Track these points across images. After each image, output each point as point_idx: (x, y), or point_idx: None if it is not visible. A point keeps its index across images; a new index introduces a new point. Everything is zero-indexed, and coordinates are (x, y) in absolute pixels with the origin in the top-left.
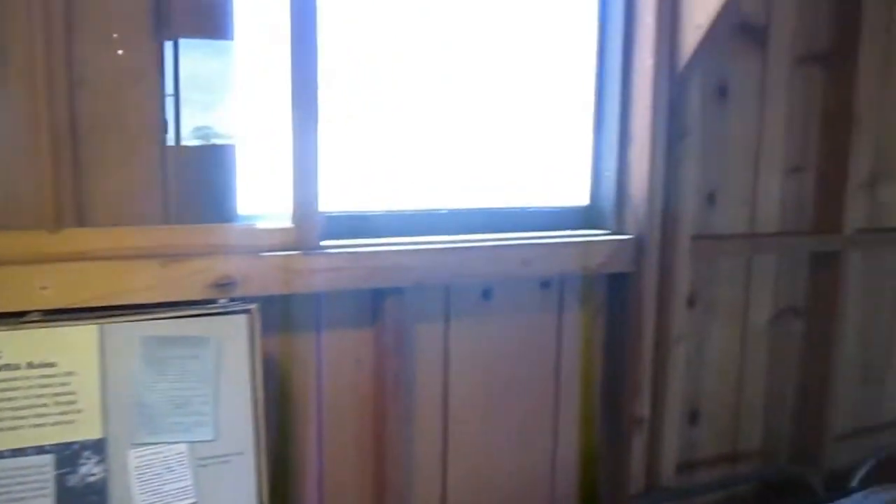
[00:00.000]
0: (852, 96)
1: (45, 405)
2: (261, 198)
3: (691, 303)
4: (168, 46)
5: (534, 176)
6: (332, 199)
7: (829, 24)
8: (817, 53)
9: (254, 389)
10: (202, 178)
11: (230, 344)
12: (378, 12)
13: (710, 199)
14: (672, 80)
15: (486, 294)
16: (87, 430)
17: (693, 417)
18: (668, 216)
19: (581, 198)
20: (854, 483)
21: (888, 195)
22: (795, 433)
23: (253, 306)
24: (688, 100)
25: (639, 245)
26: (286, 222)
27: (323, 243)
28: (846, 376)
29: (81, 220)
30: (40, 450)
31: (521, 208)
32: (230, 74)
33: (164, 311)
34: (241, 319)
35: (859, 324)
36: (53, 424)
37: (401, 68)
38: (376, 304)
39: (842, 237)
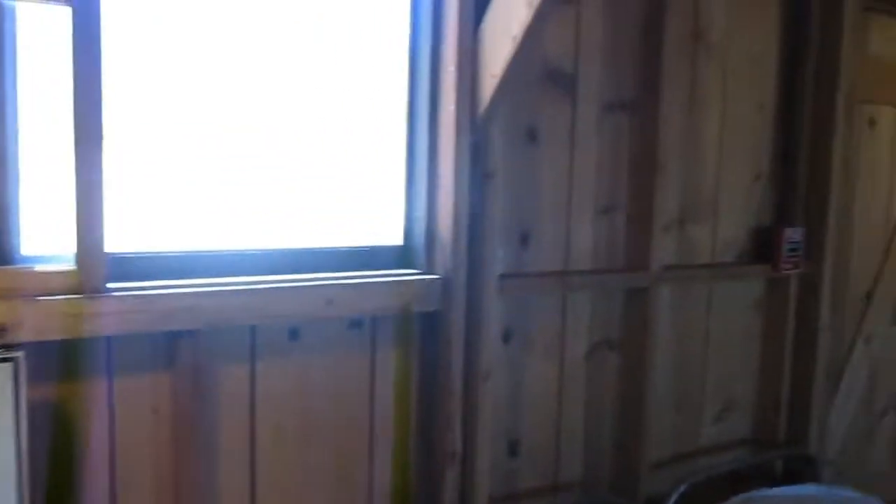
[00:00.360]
0: (656, 142)
1: None
2: (49, 237)
3: (507, 339)
4: None
5: (354, 215)
6: (126, 240)
7: (633, 74)
8: (624, 101)
9: (18, 442)
10: None
11: None
12: (180, 45)
13: (524, 238)
14: (474, 126)
15: (294, 334)
16: None
17: (513, 450)
18: (475, 256)
19: (396, 237)
20: None
21: (696, 233)
22: (614, 462)
23: (18, 354)
24: (491, 144)
25: (446, 284)
26: (69, 264)
27: (110, 286)
28: (661, 405)
29: None
30: None
31: (334, 248)
32: (13, 98)
33: None
34: (5, 368)
35: (673, 354)
36: None
37: (206, 102)
38: (172, 347)
39: (650, 274)
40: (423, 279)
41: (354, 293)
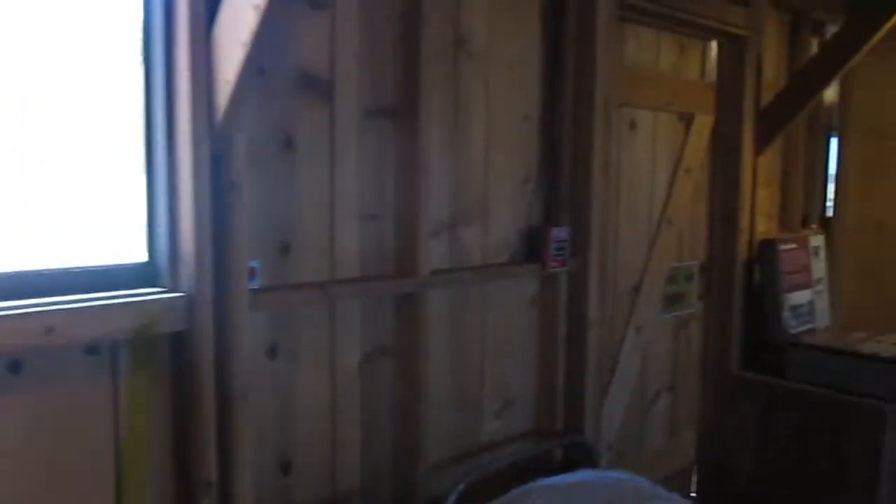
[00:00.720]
0: (419, 148)
1: None
2: None
3: (273, 354)
4: None
5: (94, 233)
6: None
7: (394, 80)
8: (385, 107)
9: None
10: None
11: None
12: None
13: (284, 249)
14: (213, 134)
15: (14, 368)
16: None
17: (285, 468)
18: (223, 270)
19: (140, 255)
20: None
21: (467, 236)
22: (394, 468)
23: None
24: (236, 153)
25: (191, 302)
26: None
27: None
28: (441, 406)
29: None
30: None
31: (62, 269)
32: None
33: None
34: None
35: (450, 355)
36: None
37: None
38: None
39: (418, 279)
40: (165, 298)
41: (82, 318)
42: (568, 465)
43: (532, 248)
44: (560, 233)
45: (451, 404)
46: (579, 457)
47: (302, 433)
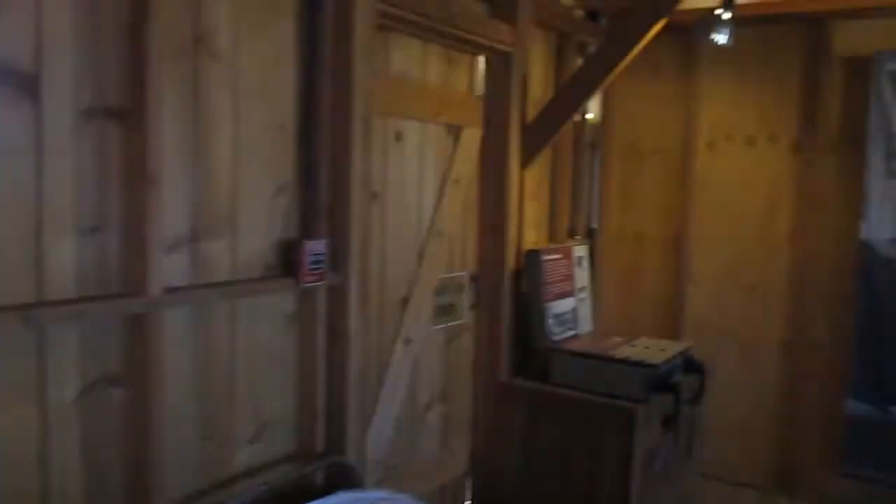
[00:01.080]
0: (148, 153)
1: None
2: None
3: None
4: None
5: None
6: None
7: (120, 77)
8: (109, 108)
9: None
10: None
11: None
12: None
13: None
14: None
15: None
16: None
17: None
18: None
19: None
20: None
21: (213, 250)
22: None
23: None
24: None
25: None
26: None
27: None
28: (184, 435)
29: None
30: None
31: None
32: None
33: None
34: None
35: (194, 380)
36: None
37: None
38: None
39: (148, 298)
40: None
41: None
42: (331, 488)
43: (289, 262)
44: (317, 245)
45: (196, 433)
46: (342, 478)
47: (1, 482)
